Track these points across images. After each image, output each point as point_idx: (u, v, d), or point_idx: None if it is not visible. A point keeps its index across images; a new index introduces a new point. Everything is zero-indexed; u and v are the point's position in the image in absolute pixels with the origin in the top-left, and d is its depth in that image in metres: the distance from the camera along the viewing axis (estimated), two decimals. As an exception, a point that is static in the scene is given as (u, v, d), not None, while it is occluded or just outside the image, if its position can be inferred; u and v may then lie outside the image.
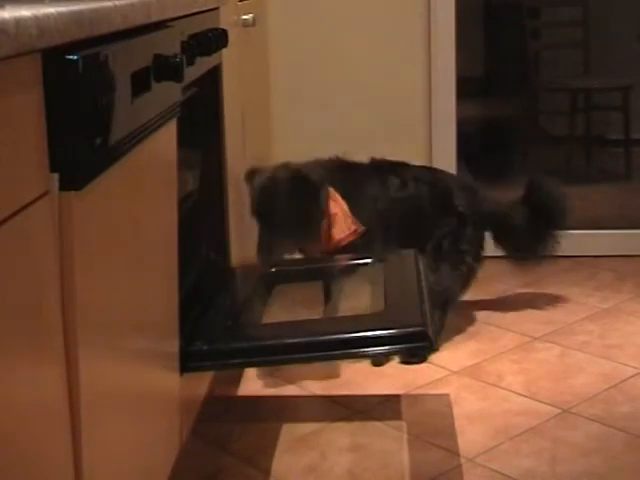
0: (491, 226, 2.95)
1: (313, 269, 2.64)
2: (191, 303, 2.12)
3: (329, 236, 2.69)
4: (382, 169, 2.85)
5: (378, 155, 2.95)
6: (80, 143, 1.19)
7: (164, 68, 1.57)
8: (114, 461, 1.41)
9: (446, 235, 2.85)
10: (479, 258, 2.90)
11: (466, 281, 2.89)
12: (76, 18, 1.16)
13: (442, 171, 3.05)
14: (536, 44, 5.55)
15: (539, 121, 5.83)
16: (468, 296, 3.22)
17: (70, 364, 1.20)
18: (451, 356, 2.77)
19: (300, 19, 3.52)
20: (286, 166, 2.71)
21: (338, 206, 2.71)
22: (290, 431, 2.35)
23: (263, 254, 2.63)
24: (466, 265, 2.87)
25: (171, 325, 1.81)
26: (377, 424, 2.38)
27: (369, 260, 2.54)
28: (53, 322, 1.16)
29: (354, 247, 2.70)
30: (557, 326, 2.98)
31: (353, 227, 2.70)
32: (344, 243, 2.70)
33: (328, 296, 2.62)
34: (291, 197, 2.63)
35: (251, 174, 2.70)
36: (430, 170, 3.02)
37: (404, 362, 2.71)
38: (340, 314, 2.41)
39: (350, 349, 2.01)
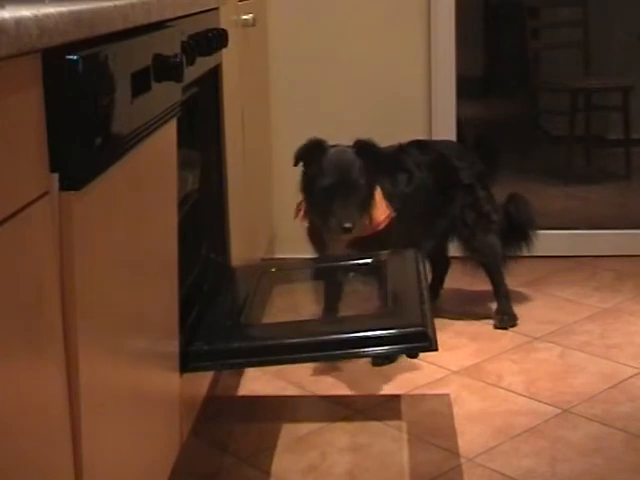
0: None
1: (313, 269, 2.64)
2: (191, 303, 2.12)
3: (370, 217, 2.67)
4: (388, 164, 2.83)
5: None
6: (80, 143, 1.19)
7: (164, 68, 1.57)
8: (114, 461, 1.41)
9: (464, 209, 2.96)
10: (499, 209, 3.05)
11: (500, 235, 3.04)
12: (76, 18, 1.16)
13: (435, 142, 3.09)
14: (536, 44, 5.55)
15: (539, 121, 5.83)
16: (467, 295, 3.22)
17: (70, 364, 1.20)
18: (451, 356, 2.77)
19: (300, 19, 3.52)
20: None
21: (377, 189, 2.71)
22: (290, 431, 2.35)
23: (341, 224, 2.55)
24: (495, 222, 3.01)
25: (171, 325, 1.81)
26: (377, 424, 2.38)
27: (369, 260, 2.54)
28: (53, 322, 1.16)
29: (384, 234, 2.70)
30: (557, 326, 2.98)
31: (388, 211, 2.70)
32: (381, 227, 2.68)
33: (329, 298, 2.62)
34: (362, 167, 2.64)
35: (318, 148, 2.66)
36: (426, 148, 2.98)
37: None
38: (340, 314, 2.41)
39: (350, 349, 2.01)
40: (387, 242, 2.64)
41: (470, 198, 2.96)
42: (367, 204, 2.63)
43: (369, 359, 2.68)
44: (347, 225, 2.54)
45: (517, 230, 3.12)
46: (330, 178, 2.60)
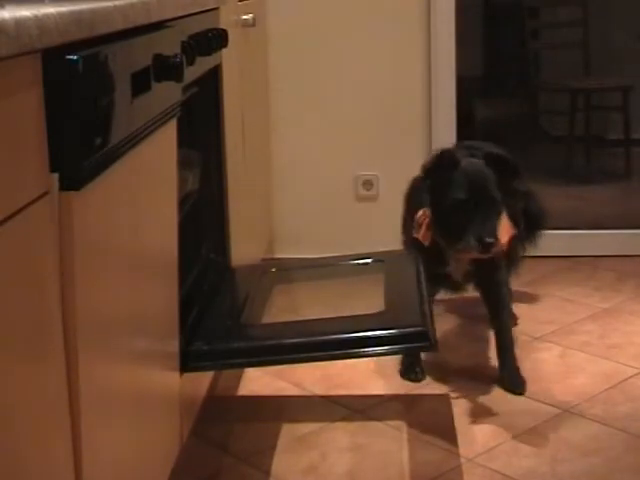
0: None
1: (313, 269, 2.64)
2: (191, 303, 2.12)
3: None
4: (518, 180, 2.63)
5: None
6: (80, 143, 1.19)
7: (164, 68, 1.57)
8: (114, 461, 1.41)
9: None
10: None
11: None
12: (76, 18, 1.16)
13: (486, 145, 2.83)
14: (536, 44, 5.54)
15: (539, 121, 5.83)
16: (467, 296, 3.22)
17: (70, 364, 1.20)
18: (451, 356, 2.77)
19: (300, 19, 3.52)
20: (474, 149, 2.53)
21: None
22: (290, 431, 2.35)
23: (482, 239, 2.32)
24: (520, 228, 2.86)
25: (171, 325, 1.81)
26: (377, 424, 2.38)
27: (369, 260, 2.54)
28: (53, 322, 1.16)
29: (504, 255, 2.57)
30: (557, 326, 2.98)
31: (511, 231, 2.57)
32: (505, 248, 2.53)
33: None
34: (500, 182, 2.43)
35: (449, 160, 2.45)
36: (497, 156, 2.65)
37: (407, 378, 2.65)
38: (340, 314, 2.40)
39: (350, 349, 2.01)
40: (502, 264, 2.55)
41: (519, 205, 2.83)
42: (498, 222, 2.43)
43: (370, 359, 2.68)
44: (490, 240, 2.32)
45: (529, 222, 3.05)
46: (465, 192, 2.38)
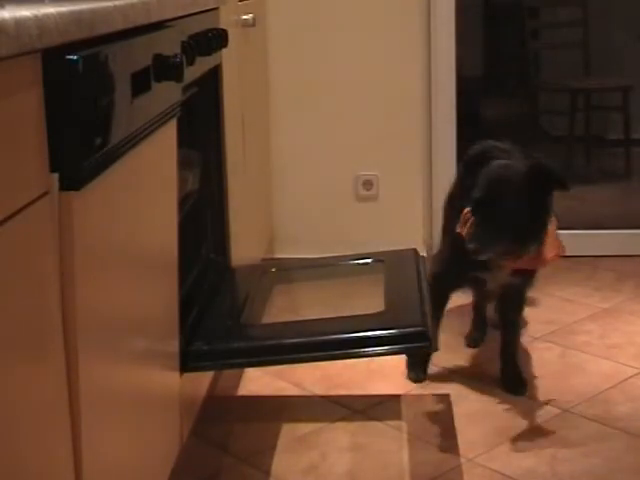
0: None
1: (313, 269, 2.64)
2: (191, 303, 2.12)
3: (539, 251, 2.37)
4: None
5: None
6: (80, 143, 1.19)
7: (164, 68, 1.57)
8: (114, 461, 1.41)
9: None
10: None
11: None
12: (76, 18, 1.16)
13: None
14: (536, 44, 5.55)
15: (539, 121, 5.83)
16: (467, 296, 3.22)
17: (70, 364, 1.20)
18: (451, 356, 2.77)
19: (300, 19, 3.52)
20: (514, 154, 2.40)
21: (552, 220, 2.39)
22: (290, 431, 2.35)
23: (477, 246, 2.25)
24: None
25: (171, 325, 1.81)
26: (377, 424, 2.38)
27: (369, 260, 2.54)
28: (53, 322, 1.16)
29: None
30: (557, 326, 2.98)
31: (559, 248, 2.47)
32: (546, 264, 2.46)
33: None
34: (528, 192, 2.28)
35: (482, 158, 2.35)
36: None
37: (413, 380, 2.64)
38: (340, 314, 2.41)
39: (350, 349, 2.01)
40: (536, 278, 2.52)
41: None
42: (524, 233, 2.30)
43: (370, 359, 2.68)
44: (471, 246, 2.25)
45: None
46: (479, 192, 2.29)
